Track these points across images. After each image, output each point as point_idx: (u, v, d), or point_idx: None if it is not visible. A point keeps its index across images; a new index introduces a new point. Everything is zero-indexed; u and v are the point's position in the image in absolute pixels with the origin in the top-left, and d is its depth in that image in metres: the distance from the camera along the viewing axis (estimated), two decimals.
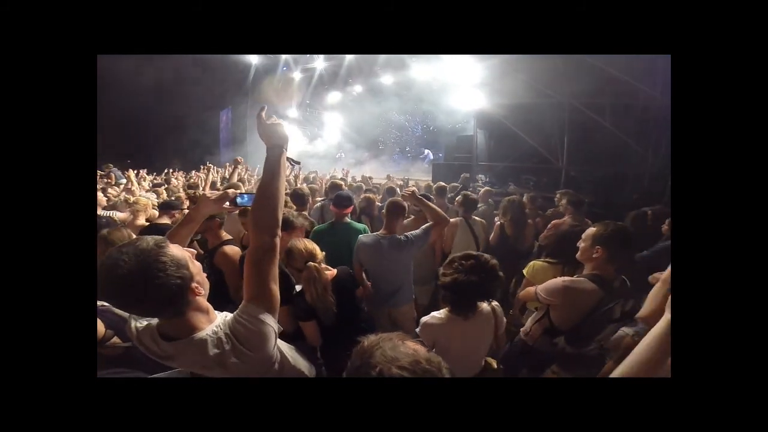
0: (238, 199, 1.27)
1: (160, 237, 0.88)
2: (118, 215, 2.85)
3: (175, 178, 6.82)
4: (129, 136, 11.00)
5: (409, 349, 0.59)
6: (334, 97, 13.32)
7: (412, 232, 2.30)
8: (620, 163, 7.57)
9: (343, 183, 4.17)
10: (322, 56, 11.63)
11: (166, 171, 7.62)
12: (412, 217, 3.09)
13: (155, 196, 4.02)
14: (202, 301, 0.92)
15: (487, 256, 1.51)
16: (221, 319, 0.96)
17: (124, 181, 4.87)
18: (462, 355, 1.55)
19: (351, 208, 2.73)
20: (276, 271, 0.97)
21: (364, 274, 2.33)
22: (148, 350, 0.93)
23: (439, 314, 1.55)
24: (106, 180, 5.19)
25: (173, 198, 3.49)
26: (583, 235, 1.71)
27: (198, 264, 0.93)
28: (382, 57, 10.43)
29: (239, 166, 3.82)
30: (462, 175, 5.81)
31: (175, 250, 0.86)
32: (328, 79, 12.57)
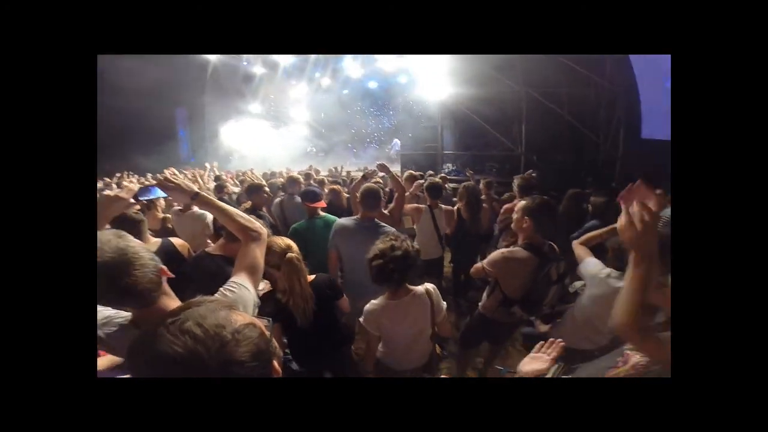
0: (140, 196, 1.28)
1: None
2: None
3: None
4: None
5: (229, 316, 0.55)
6: (300, 90, 12.70)
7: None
8: (577, 149, 8.28)
9: (301, 177, 4.05)
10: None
11: (118, 175, 6.90)
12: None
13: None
14: (166, 285, 0.97)
15: (396, 237, 1.53)
16: None
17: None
18: (407, 340, 1.59)
19: (321, 201, 2.71)
20: (260, 255, 1.15)
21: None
22: None
23: (376, 300, 1.57)
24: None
25: None
26: (515, 208, 1.90)
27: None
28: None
29: (209, 169, 3.73)
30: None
31: (136, 243, 0.92)
32: (293, 73, 11.99)
